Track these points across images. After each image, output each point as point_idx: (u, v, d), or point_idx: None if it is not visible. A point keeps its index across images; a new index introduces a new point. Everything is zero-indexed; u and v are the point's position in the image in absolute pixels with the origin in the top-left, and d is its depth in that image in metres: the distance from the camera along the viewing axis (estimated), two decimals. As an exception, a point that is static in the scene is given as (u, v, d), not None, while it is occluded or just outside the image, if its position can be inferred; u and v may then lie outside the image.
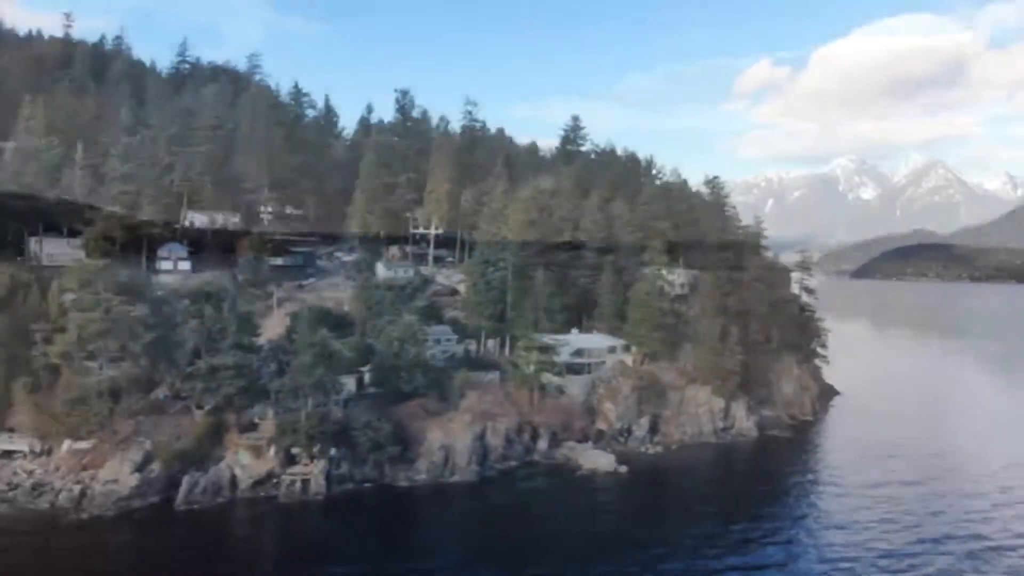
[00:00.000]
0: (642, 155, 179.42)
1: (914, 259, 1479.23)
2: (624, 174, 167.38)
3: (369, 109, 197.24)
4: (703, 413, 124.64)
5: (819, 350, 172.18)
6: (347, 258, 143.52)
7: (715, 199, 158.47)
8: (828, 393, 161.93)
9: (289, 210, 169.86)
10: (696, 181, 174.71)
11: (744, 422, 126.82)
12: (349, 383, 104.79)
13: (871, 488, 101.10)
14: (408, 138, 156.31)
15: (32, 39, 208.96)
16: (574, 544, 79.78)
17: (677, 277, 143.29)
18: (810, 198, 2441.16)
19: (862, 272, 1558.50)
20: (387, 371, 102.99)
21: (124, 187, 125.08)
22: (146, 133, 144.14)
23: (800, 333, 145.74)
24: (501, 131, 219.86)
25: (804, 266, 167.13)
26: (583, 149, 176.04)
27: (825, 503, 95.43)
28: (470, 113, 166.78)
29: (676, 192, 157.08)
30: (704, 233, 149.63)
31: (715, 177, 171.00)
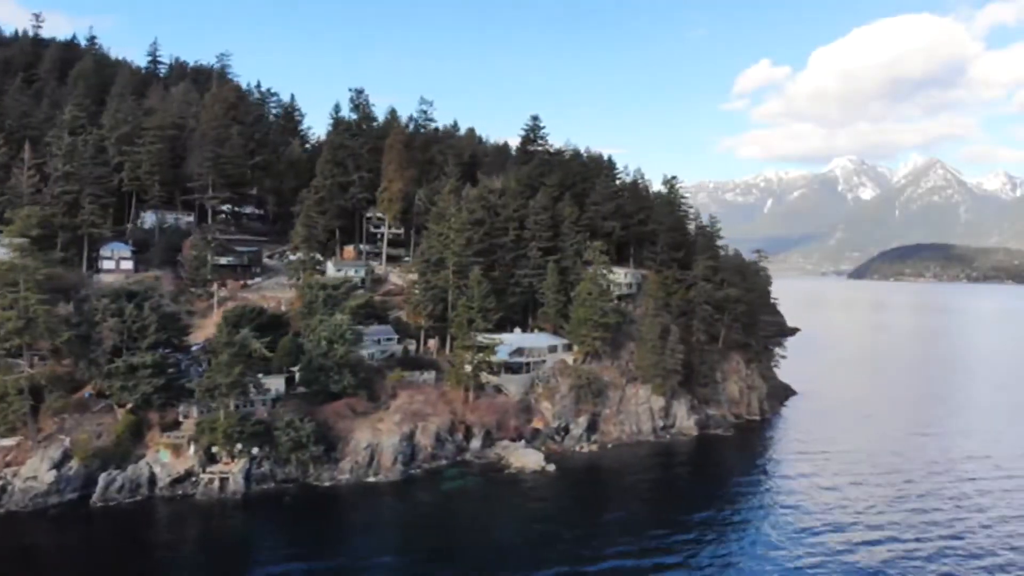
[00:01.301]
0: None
1: (912, 259, 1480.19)
2: (583, 174, 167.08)
3: (337, 109, 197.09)
4: (642, 412, 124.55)
5: (777, 351, 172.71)
6: (294, 257, 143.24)
7: (672, 199, 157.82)
8: (784, 393, 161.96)
9: (249, 209, 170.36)
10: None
11: (685, 421, 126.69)
12: (278, 383, 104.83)
13: (797, 486, 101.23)
14: (361, 137, 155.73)
15: (2, 40, 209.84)
16: (480, 544, 79.74)
17: (624, 276, 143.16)
18: (809, 198, 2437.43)
19: (860, 272, 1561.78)
20: (315, 371, 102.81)
21: (66, 186, 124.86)
22: (97, 132, 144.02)
23: (749, 333, 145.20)
24: (472, 130, 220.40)
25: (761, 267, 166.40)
26: (542, 149, 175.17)
27: (745, 502, 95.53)
28: (424, 112, 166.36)
29: (628, 192, 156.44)
30: (655, 233, 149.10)
31: (673, 177, 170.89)
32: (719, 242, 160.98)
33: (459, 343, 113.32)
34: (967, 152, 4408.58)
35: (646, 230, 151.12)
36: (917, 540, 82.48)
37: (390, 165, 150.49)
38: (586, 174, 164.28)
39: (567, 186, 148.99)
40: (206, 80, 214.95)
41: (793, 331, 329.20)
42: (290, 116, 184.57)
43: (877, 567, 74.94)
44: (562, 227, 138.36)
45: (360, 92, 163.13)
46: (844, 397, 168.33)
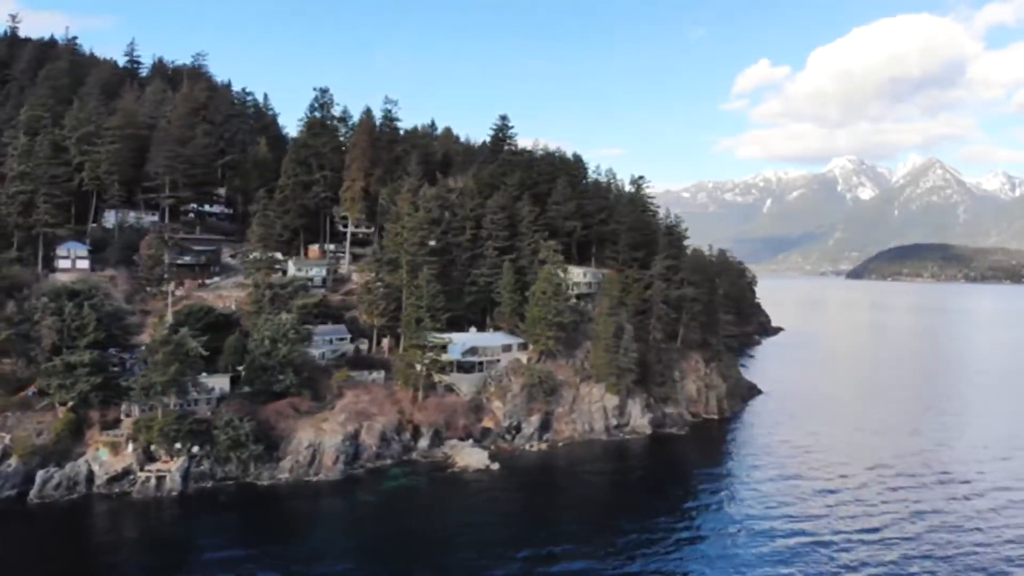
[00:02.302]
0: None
1: (910, 259, 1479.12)
2: (551, 173, 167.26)
3: (312, 108, 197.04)
4: (596, 410, 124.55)
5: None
6: (257, 256, 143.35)
7: (634, 199, 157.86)
8: (748, 392, 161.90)
9: (218, 209, 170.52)
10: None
11: (639, 419, 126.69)
12: (222, 382, 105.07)
13: (743, 484, 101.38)
14: (324, 136, 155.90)
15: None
16: (408, 543, 79.69)
17: (583, 276, 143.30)
18: (808, 198, 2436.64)
19: (857, 272, 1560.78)
20: (257, 370, 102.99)
21: (21, 186, 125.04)
22: (58, 132, 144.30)
23: (707, 332, 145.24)
24: (448, 129, 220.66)
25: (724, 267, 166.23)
26: (508, 148, 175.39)
27: (686, 500, 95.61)
28: (389, 111, 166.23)
29: (592, 191, 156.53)
30: (616, 233, 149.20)
31: (640, 177, 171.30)
32: (688, 242, 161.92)
33: (407, 342, 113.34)
34: (966, 152, 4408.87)
35: (607, 229, 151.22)
36: (858, 537, 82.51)
37: (353, 164, 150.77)
38: (554, 173, 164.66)
39: (528, 186, 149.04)
40: (193, 79, 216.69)
41: (776, 330, 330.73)
42: (260, 115, 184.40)
43: (820, 564, 75.01)
44: (520, 227, 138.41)
45: (325, 91, 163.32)
46: (810, 396, 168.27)
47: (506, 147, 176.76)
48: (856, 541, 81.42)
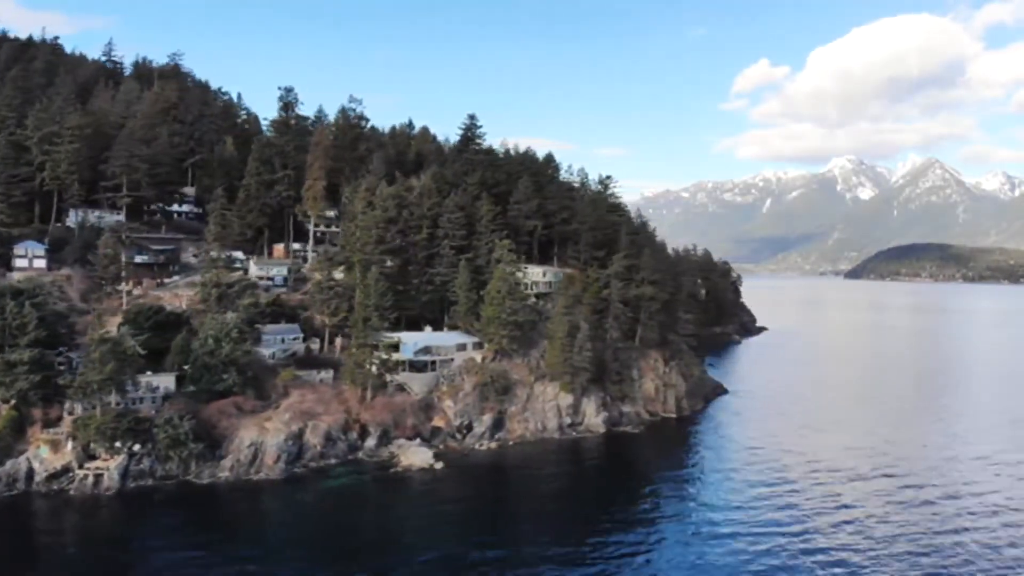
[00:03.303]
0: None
1: (908, 259, 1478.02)
2: (518, 173, 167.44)
3: (286, 107, 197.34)
4: (549, 409, 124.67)
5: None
6: (214, 255, 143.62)
7: (596, 198, 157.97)
8: (713, 391, 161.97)
9: (187, 208, 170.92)
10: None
11: (593, 418, 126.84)
12: (167, 380, 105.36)
13: (691, 484, 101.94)
14: (287, 135, 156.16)
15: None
16: (336, 541, 79.92)
17: (543, 275, 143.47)
18: (808, 198, 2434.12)
19: (856, 272, 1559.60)
20: (201, 369, 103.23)
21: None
22: (19, 132, 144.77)
23: (666, 331, 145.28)
24: (425, 128, 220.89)
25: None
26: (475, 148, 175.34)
27: (630, 498, 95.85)
28: (353, 110, 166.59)
29: (555, 191, 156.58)
30: (578, 232, 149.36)
31: (608, 177, 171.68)
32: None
33: (354, 341, 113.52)
34: (966, 152, 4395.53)
35: (569, 229, 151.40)
36: (805, 534, 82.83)
37: (315, 163, 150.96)
38: (519, 173, 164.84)
39: (489, 185, 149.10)
40: (169, 79, 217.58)
41: (760, 330, 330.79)
42: (228, 114, 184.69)
43: (761, 562, 75.18)
44: (478, 226, 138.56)
45: (290, 90, 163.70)
46: (775, 396, 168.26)
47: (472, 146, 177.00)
48: (806, 540, 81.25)
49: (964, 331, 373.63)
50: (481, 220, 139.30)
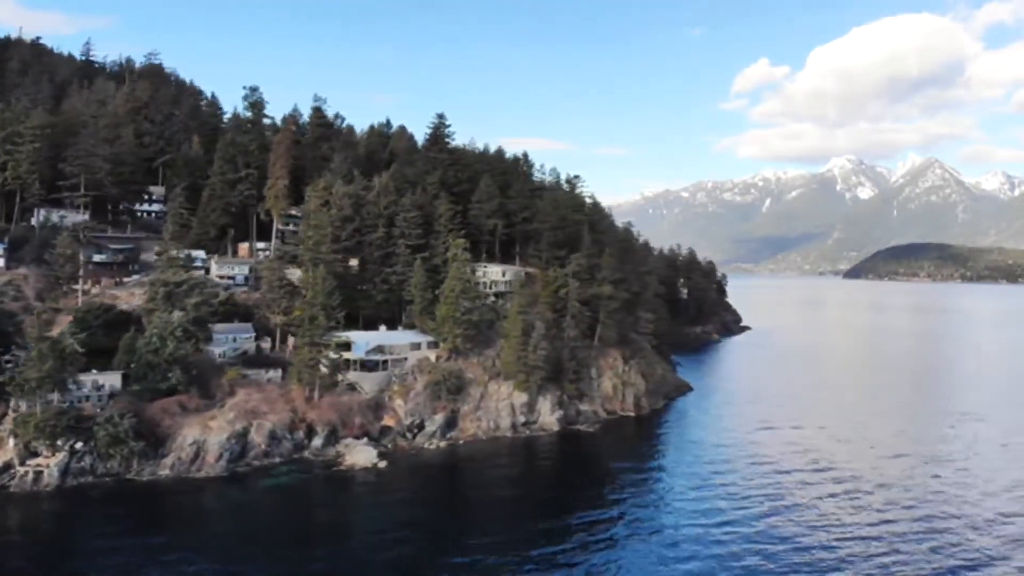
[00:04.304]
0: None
1: (906, 259, 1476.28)
2: (481, 172, 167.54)
3: (252, 107, 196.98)
4: (503, 408, 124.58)
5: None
6: (173, 254, 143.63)
7: (558, 198, 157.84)
8: (676, 389, 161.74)
9: (157, 207, 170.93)
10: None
11: (547, 416, 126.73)
12: (113, 379, 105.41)
13: (640, 481, 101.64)
14: (250, 134, 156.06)
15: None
16: (260, 539, 79.99)
17: (502, 274, 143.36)
18: (808, 198, 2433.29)
19: (854, 272, 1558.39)
20: (144, 367, 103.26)
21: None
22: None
23: (625, 330, 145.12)
24: (402, 128, 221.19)
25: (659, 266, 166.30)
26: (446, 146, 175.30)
27: (570, 496, 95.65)
28: (318, 109, 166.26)
29: (517, 191, 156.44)
30: (540, 231, 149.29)
31: (576, 176, 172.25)
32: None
33: (299, 340, 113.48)
34: (966, 152, 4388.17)
35: (531, 228, 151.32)
36: (757, 535, 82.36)
37: (276, 162, 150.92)
38: (484, 172, 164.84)
39: (450, 184, 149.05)
40: (150, 78, 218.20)
41: (743, 329, 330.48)
42: (196, 113, 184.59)
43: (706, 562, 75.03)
44: (436, 225, 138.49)
45: (255, 90, 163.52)
46: (739, 394, 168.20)
47: (438, 146, 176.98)
48: (756, 539, 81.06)
49: (951, 331, 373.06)
50: (440, 219, 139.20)
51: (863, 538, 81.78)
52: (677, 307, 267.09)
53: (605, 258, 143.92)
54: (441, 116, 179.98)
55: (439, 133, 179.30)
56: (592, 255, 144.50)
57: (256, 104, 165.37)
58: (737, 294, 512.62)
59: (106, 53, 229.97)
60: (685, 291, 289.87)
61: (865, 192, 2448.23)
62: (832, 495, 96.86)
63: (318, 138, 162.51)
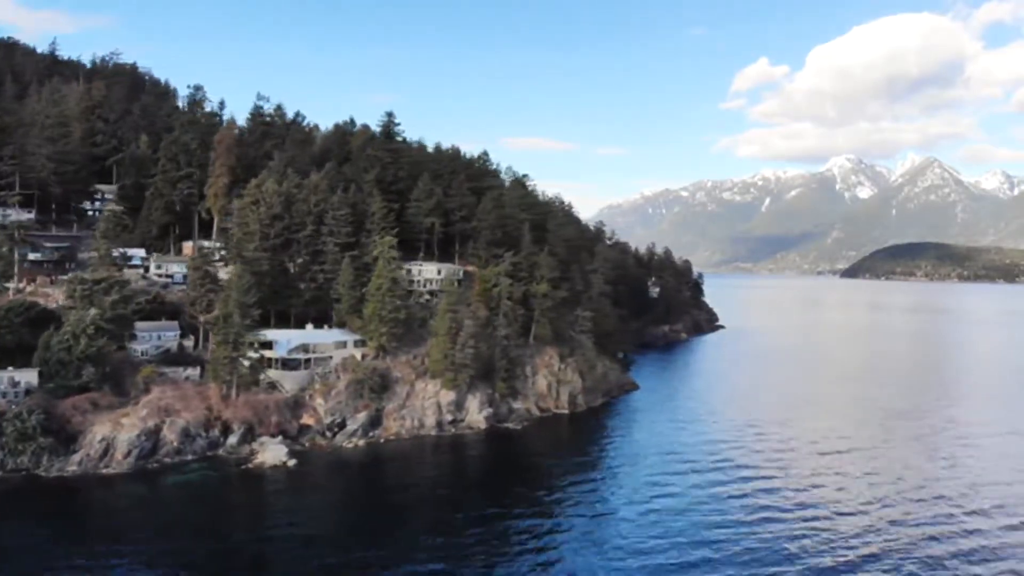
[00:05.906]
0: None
1: (904, 258, 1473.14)
2: (439, 170, 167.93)
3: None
4: (429, 406, 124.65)
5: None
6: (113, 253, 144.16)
7: (497, 198, 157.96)
8: (620, 387, 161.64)
9: (111, 206, 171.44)
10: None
11: (475, 415, 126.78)
12: (30, 376, 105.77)
13: (559, 479, 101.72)
14: (191, 132, 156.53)
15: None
16: (154, 536, 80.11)
17: (437, 272, 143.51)
18: (807, 197, 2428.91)
19: (852, 271, 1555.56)
20: (56, 365, 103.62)
21: None
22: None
23: (560, 328, 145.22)
24: (365, 127, 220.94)
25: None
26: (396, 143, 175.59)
27: (484, 496, 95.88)
28: (260, 107, 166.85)
29: (456, 189, 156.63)
30: (478, 230, 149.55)
31: (524, 175, 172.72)
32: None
33: (215, 338, 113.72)
34: (965, 151, 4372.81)
35: (470, 227, 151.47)
36: (671, 536, 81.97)
37: (217, 160, 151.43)
38: (439, 171, 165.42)
39: (388, 182, 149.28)
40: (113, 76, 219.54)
41: (716, 328, 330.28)
42: (147, 112, 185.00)
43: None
44: (368, 223, 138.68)
45: (199, 88, 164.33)
46: (685, 392, 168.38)
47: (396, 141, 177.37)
48: (670, 540, 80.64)
49: (936, 330, 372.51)
50: (373, 217, 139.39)
51: (791, 536, 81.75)
52: (645, 306, 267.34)
53: (543, 257, 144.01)
54: (390, 114, 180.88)
55: (388, 131, 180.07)
56: (533, 254, 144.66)
57: (197, 103, 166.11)
58: (724, 294, 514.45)
59: (93, 52, 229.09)
60: (657, 290, 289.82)
61: (864, 192, 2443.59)
62: (745, 494, 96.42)
63: (260, 136, 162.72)
